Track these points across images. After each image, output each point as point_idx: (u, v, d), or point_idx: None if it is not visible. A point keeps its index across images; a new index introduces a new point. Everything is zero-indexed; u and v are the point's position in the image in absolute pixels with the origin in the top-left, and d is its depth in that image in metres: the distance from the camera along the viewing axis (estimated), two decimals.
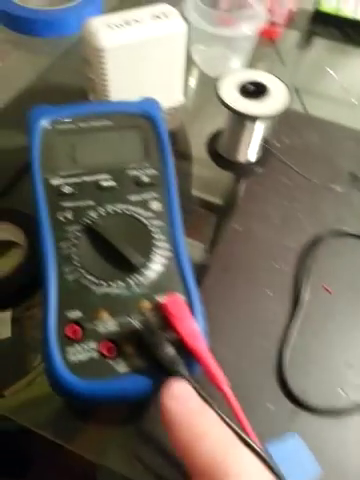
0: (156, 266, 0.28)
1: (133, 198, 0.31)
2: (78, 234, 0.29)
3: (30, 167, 0.32)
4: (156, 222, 0.30)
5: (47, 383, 0.25)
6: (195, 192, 0.42)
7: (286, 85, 0.37)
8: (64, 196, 0.31)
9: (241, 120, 0.37)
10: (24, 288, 0.32)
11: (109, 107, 0.36)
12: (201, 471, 0.16)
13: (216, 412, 0.19)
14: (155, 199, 0.31)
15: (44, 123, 0.34)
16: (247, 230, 0.37)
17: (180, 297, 0.26)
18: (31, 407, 0.29)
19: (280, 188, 0.40)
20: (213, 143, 0.43)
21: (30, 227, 0.35)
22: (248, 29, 0.45)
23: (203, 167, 0.44)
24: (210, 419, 0.18)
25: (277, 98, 0.36)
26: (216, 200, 0.41)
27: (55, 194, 0.31)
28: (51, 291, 0.27)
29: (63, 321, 0.26)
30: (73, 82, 0.51)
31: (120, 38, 0.34)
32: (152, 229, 0.30)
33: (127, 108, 0.36)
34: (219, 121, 0.48)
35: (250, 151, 0.41)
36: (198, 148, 0.44)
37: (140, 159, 0.34)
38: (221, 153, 0.43)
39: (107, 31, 0.34)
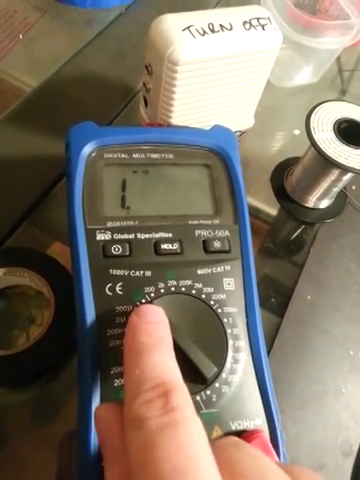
0: (230, 377, 0.22)
1: (201, 270, 0.24)
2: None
3: (69, 210, 0.25)
4: (228, 308, 0.23)
5: None
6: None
7: None
8: (113, 259, 0.23)
9: (330, 167, 0.30)
10: (53, 359, 0.25)
11: (172, 135, 0.28)
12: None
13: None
14: (228, 274, 0.24)
15: (90, 150, 0.26)
16: (317, 297, 0.31)
17: (265, 435, 0.20)
18: None
19: (358, 246, 0.33)
20: (280, 178, 0.36)
21: (57, 277, 0.28)
22: (337, 42, 0.37)
23: (262, 204, 0.37)
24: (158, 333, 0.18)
25: None
26: (279, 249, 0.34)
27: (101, 255, 0.23)
28: (92, 403, 0.20)
29: None
30: (113, 73, 0.42)
31: (203, 50, 0.26)
32: (224, 320, 0.23)
33: (195, 138, 0.28)
34: (284, 147, 0.40)
35: (326, 199, 0.34)
36: (258, 181, 0.37)
37: (209, 213, 0.26)
38: (288, 192, 0.35)
39: (187, 39, 0.25)
